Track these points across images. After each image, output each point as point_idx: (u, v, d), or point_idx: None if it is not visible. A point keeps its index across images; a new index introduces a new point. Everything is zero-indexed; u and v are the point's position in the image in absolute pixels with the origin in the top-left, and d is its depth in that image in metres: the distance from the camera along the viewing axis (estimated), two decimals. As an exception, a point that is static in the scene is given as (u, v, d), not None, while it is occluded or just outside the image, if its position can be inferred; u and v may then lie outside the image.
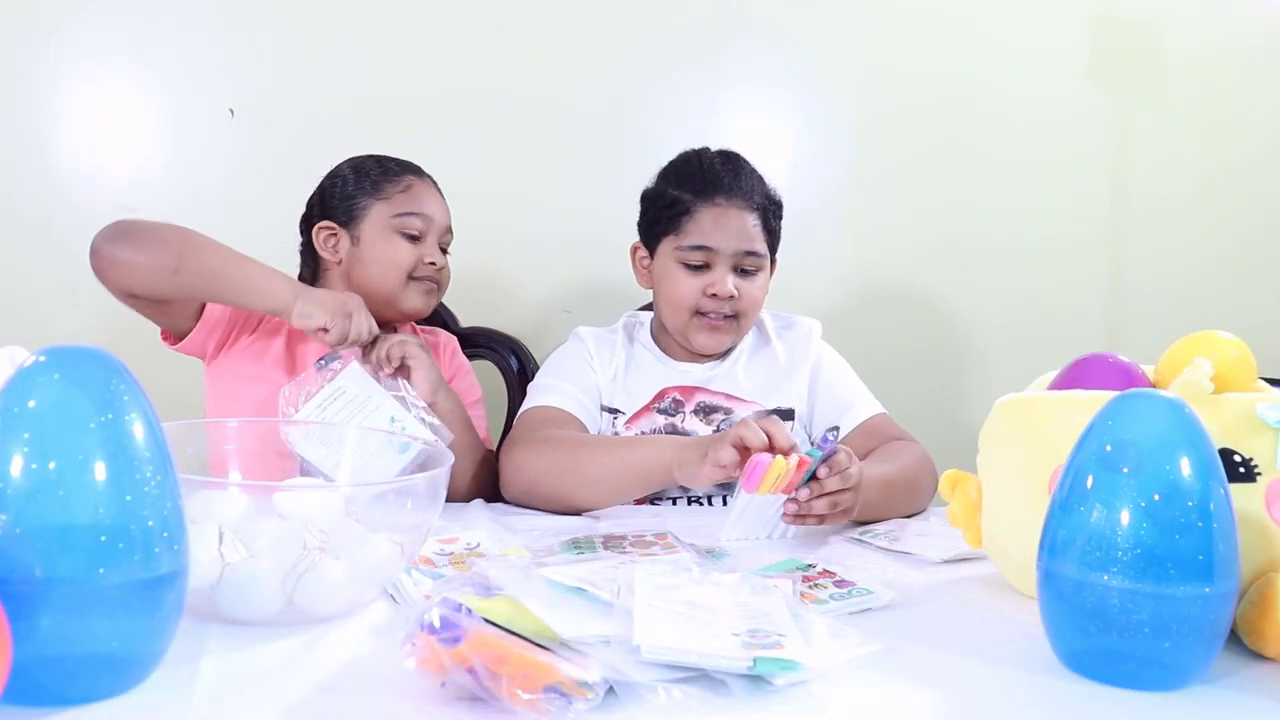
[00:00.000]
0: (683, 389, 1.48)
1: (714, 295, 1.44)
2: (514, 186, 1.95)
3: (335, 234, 1.52)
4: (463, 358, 1.68)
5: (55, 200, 1.78)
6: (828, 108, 2.10)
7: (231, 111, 1.83)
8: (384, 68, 1.89)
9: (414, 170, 1.56)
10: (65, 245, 1.78)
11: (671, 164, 1.51)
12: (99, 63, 1.79)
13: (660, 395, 1.48)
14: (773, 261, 1.52)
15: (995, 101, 2.15)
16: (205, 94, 1.82)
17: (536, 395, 1.46)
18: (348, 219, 1.52)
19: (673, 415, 1.46)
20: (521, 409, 1.47)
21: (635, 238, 1.56)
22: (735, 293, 1.44)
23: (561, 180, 1.97)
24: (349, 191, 1.53)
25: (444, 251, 1.56)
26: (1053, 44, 2.17)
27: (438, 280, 1.55)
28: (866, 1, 2.09)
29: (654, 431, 1.47)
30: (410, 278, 1.51)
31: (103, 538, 0.65)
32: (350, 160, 1.55)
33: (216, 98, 1.83)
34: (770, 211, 1.48)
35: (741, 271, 1.46)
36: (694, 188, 1.45)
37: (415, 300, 1.53)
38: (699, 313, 1.46)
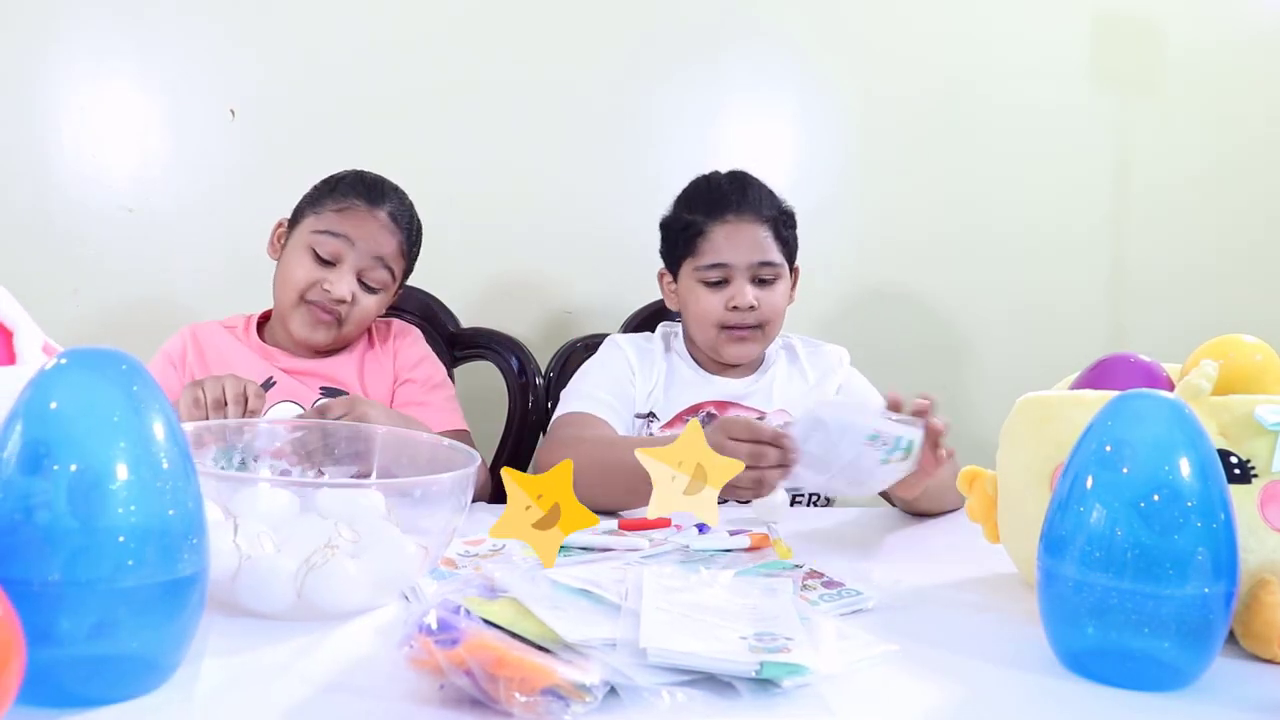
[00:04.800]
0: (718, 404, 1.51)
1: (735, 308, 1.48)
2: (515, 187, 1.95)
3: (283, 231, 1.49)
4: (423, 345, 1.58)
5: (56, 201, 1.78)
6: (829, 109, 2.10)
7: (232, 112, 1.83)
8: (385, 69, 1.88)
9: (372, 197, 1.45)
10: (66, 246, 1.78)
11: (684, 191, 1.56)
12: (99, 63, 1.79)
13: (695, 408, 1.51)
14: (795, 270, 1.56)
15: (996, 101, 2.14)
16: (205, 94, 1.82)
17: (572, 401, 1.46)
18: (292, 222, 1.48)
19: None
20: (557, 413, 1.48)
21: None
22: (755, 303, 1.48)
23: (562, 181, 1.97)
24: (307, 196, 1.49)
25: (369, 289, 1.44)
26: (1053, 44, 2.16)
27: (334, 312, 1.42)
28: (868, 4, 2.09)
29: None
30: (303, 299, 1.41)
31: (122, 538, 0.65)
32: (346, 170, 1.51)
33: (216, 98, 1.83)
34: (781, 222, 1.51)
35: (760, 282, 1.49)
36: (704, 209, 1.51)
37: (301, 326, 1.42)
38: (725, 327, 1.49)
